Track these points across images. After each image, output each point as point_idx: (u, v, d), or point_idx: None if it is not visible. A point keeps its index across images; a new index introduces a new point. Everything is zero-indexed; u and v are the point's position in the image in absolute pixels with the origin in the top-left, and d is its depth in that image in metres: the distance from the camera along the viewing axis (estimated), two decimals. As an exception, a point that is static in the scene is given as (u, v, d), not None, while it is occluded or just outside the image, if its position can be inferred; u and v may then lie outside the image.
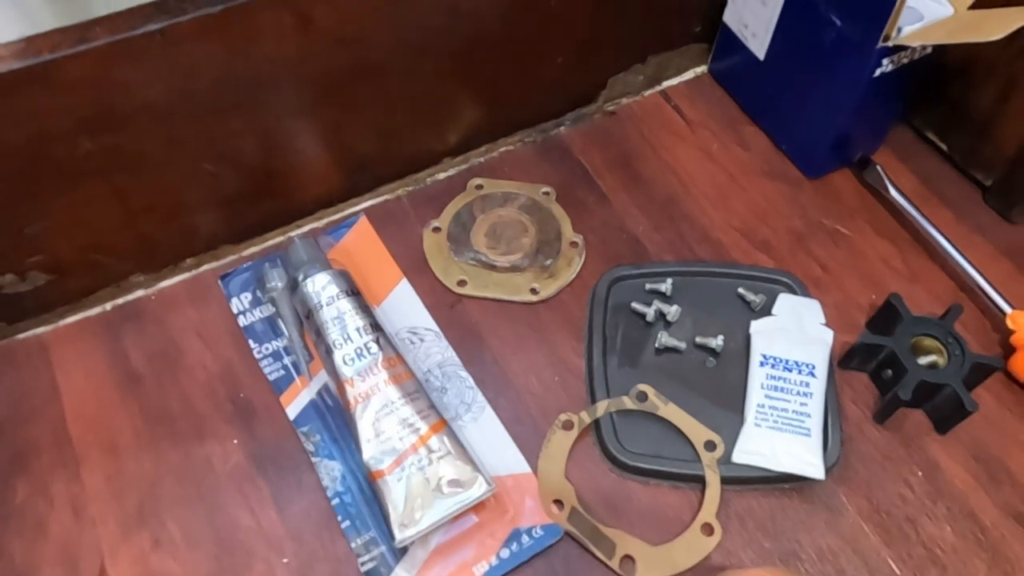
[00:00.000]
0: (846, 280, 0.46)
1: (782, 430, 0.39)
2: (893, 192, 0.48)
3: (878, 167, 0.49)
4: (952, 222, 0.49)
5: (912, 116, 0.52)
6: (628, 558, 0.37)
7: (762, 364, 0.41)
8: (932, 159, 0.52)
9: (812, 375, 0.40)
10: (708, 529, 0.37)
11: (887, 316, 0.42)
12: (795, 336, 0.42)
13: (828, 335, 0.42)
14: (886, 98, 0.47)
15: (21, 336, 0.42)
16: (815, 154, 0.50)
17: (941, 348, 0.41)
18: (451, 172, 0.50)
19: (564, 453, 0.39)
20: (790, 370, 0.40)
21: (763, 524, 0.38)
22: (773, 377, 0.40)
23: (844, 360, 0.42)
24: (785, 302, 0.43)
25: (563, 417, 0.40)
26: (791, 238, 0.48)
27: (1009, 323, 0.43)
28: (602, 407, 0.40)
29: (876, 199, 0.50)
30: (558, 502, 0.38)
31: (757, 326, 0.43)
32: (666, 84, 0.55)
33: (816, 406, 0.39)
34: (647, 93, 0.55)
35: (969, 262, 0.45)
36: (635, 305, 0.43)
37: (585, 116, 0.53)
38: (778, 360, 0.41)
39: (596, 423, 0.40)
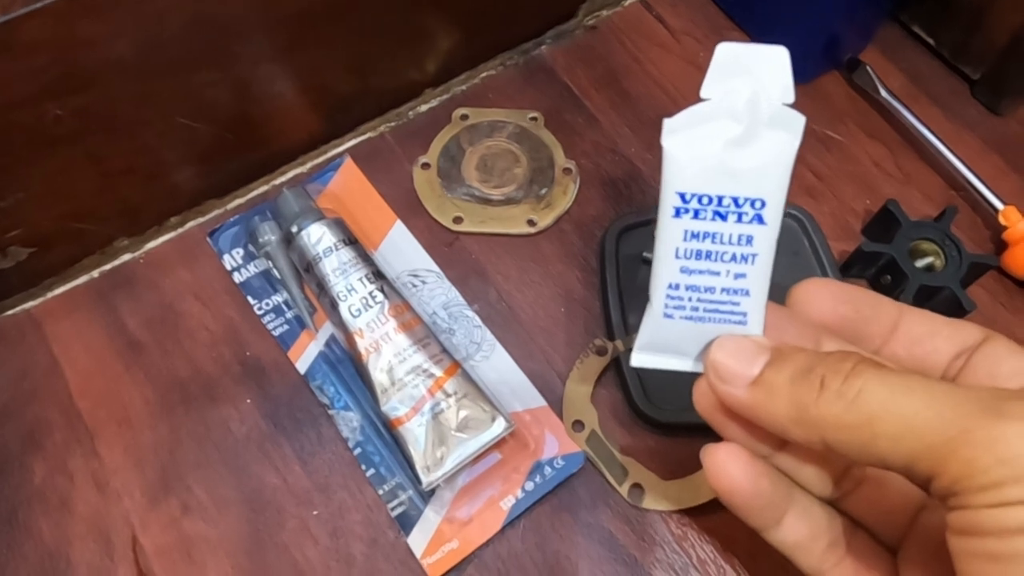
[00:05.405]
0: (841, 187, 0.46)
1: (704, 320, 0.26)
2: (883, 93, 0.47)
3: (868, 68, 0.48)
4: (941, 119, 0.48)
5: (899, 11, 0.51)
6: (637, 486, 0.38)
7: (678, 213, 0.24)
8: (919, 55, 0.51)
9: (759, 220, 0.24)
10: None
11: (885, 222, 0.43)
12: (738, 140, 0.23)
13: (797, 123, 0.23)
14: (879, -5, 0.46)
15: (10, 312, 0.41)
16: (804, 58, 0.48)
17: (938, 250, 0.42)
18: (433, 103, 0.49)
19: (593, 376, 0.40)
20: (724, 216, 0.24)
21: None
22: (696, 235, 0.24)
23: (844, 268, 0.43)
24: (727, 62, 0.23)
25: (598, 342, 0.40)
26: (783, 147, 0.48)
27: (1001, 219, 0.43)
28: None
29: (866, 101, 0.49)
30: (579, 423, 0.39)
31: (672, 129, 0.24)
32: (646, -8, 0.53)
33: (759, 275, 0.25)
34: (627, 3, 0.53)
35: (960, 159, 0.45)
36: (647, 255, 0.42)
37: (566, 33, 0.51)
38: (705, 201, 0.24)
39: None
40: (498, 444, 0.37)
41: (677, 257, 0.25)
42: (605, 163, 0.47)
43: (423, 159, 0.46)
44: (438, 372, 0.38)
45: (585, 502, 0.38)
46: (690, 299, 0.25)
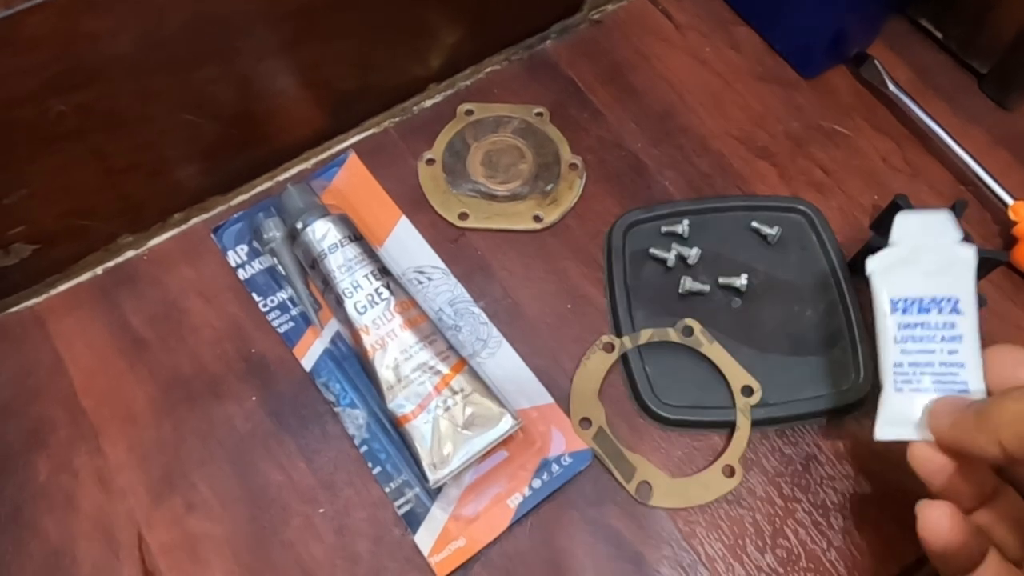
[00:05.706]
0: (848, 182, 0.46)
1: (930, 390, 0.32)
2: (892, 87, 0.47)
3: (876, 62, 0.48)
4: (949, 113, 0.48)
5: (906, 5, 0.51)
6: (645, 483, 0.37)
7: (892, 311, 0.33)
8: (926, 49, 0.51)
9: (956, 311, 0.32)
10: (729, 470, 0.38)
11: (893, 216, 0.42)
12: (925, 265, 0.33)
13: (969, 253, 0.33)
14: (885, -11, 0.45)
15: (13, 310, 0.41)
16: (811, 53, 0.48)
17: (947, 245, 0.41)
18: (438, 99, 0.48)
19: (600, 374, 0.40)
20: (927, 310, 0.33)
21: (789, 465, 0.39)
22: (908, 326, 0.33)
23: (852, 263, 0.43)
24: (905, 224, 0.34)
25: (604, 338, 0.40)
26: (790, 142, 0.47)
27: (1011, 214, 0.43)
28: (645, 335, 0.40)
29: (873, 95, 0.49)
30: (586, 420, 0.39)
31: (875, 263, 0.34)
32: (651, -14, 0.53)
33: (970, 350, 0.32)
34: (632, -3, 0.53)
35: (969, 154, 0.45)
36: (654, 251, 0.42)
37: (571, 27, 0.51)
38: (910, 302, 0.33)
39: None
40: (505, 441, 0.37)
41: (896, 342, 0.33)
42: (611, 158, 0.46)
43: (428, 155, 0.46)
44: (444, 369, 0.37)
45: (592, 500, 0.37)
46: (913, 372, 0.32)
